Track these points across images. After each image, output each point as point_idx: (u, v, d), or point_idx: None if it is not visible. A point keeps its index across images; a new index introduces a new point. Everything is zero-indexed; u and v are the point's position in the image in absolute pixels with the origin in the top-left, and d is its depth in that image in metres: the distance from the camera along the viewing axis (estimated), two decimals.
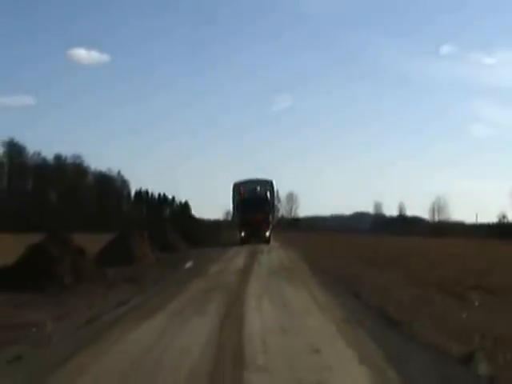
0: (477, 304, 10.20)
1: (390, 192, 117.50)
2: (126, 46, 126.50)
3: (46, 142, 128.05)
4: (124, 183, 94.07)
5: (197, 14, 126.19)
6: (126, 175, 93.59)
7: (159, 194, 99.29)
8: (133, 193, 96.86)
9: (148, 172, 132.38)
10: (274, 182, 42.72)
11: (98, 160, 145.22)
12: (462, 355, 6.26)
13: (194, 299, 11.42)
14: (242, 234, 38.81)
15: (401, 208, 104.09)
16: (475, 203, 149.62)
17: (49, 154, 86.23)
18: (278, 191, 69.55)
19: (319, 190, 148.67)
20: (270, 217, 39.97)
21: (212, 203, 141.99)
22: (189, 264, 21.49)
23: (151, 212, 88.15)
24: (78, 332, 8.04)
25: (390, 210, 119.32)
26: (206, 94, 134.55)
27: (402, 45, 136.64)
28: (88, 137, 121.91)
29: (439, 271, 15.99)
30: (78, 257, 13.95)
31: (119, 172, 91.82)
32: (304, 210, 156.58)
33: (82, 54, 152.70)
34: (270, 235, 39.28)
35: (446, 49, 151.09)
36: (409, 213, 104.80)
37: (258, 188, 40.84)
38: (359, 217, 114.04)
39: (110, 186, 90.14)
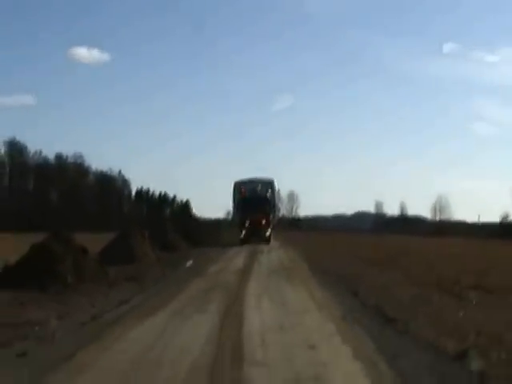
0: (474, 303, 10.30)
1: (391, 192, 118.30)
2: (127, 46, 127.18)
3: (46, 141, 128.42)
4: (125, 182, 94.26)
5: (197, 14, 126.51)
6: (127, 174, 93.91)
7: (160, 194, 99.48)
8: (133, 192, 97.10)
9: (149, 171, 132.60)
10: (275, 182, 42.85)
11: (99, 159, 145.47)
12: (456, 352, 6.38)
13: (194, 298, 11.56)
14: (243, 233, 38.80)
15: (402, 207, 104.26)
16: (477, 203, 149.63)
17: (50, 153, 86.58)
18: (279, 191, 69.66)
19: (320, 189, 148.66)
20: (271, 216, 39.96)
21: (213, 202, 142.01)
22: (189, 263, 21.62)
23: (152, 211, 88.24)
24: (81, 329, 8.18)
25: (392, 210, 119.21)
26: (206, 93, 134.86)
27: (403, 44, 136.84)
28: (89, 136, 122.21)
29: (439, 271, 16.06)
30: (80, 256, 14.08)
31: (120, 171, 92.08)
32: (305, 210, 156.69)
33: (82, 52, 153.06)
34: (270, 235, 39.29)
35: (447, 47, 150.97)
36: (410, 212, 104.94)
37: (259, 187, 40.86)
38: (360, 216, 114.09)
39: (110, 186, 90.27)
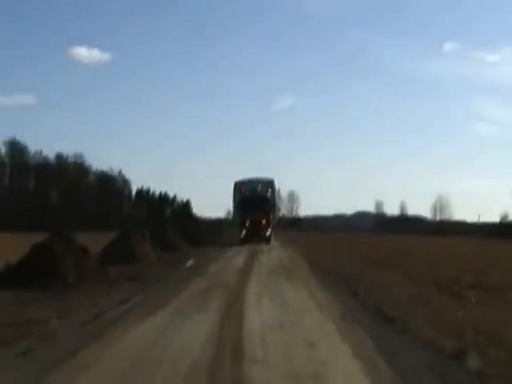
0: (474, 302, 10.33)
1: (392, 191, 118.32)
2: (127, 46, 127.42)
3: (47, 141, 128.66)
4: (125, 182, 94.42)
5: (197, 14, 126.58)
6: (127, 174, 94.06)
7: (160, 193, 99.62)
8: (134, 192, 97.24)
9: (149, 171, 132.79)
10: (275, 182, 42.88)
11: (100, 159, 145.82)
12: (453, 350, 6.42)
13: (194, 297, 11.59)
14: (243, 233, 38.83)
15: (402, 207, 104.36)
16: (477, 202, 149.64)
17: (50, 153, 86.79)
18: (279, 190, 69.73)
19: (320, 189, 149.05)
20: (271, 216, 39.98)
21: (213, 202, 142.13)
22: (189, 263, 21.66)
23: (152, 211, 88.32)
24: (82, 328, 8.21)
25: (392, 210, 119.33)
26: (206, 93, 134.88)
27: (403, 44, 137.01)
28: (89, 136, 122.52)
29: (439, 270, 16.09)
30: (81, 256, 14.13)
31: (120, 171, 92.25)
32: (305, 210, 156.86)
33: (83, 52, 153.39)
34: (270, 235, 39.31)
35: (448, 47, 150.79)
36: (410, 212, 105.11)
37: (259, 187, 40.90)
38: (360, 216, 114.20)
39: (111, 186, 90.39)
